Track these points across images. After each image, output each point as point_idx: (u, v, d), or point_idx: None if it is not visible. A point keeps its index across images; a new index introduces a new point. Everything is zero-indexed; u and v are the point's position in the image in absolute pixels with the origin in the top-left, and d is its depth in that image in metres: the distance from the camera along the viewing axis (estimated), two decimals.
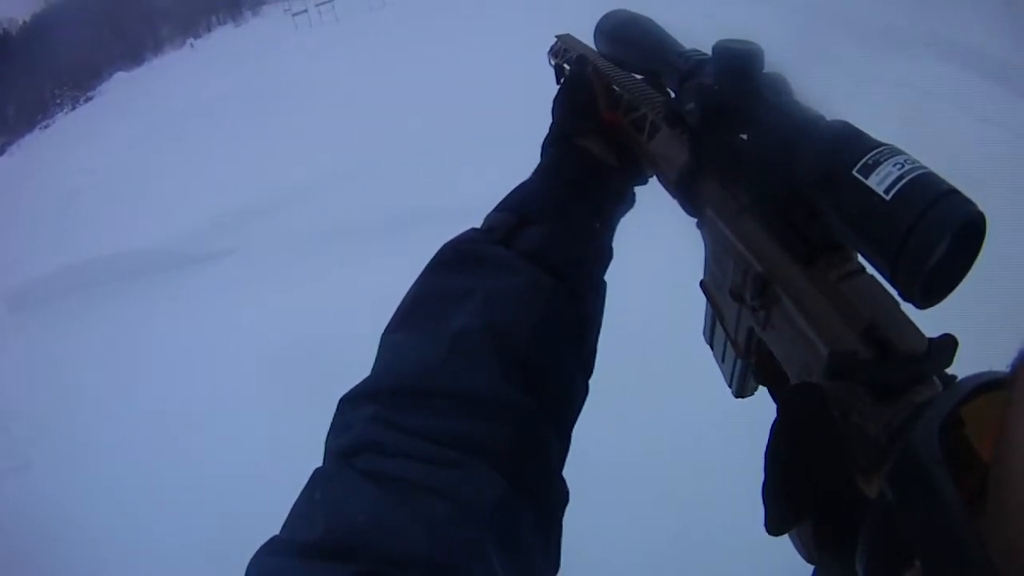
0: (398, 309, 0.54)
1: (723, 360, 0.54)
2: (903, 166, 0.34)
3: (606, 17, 0.67)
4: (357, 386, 0.49)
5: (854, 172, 0.35)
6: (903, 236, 0.33)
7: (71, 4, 27.35)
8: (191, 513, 2.90)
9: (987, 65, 5.27)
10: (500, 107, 5.90)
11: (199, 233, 5.20)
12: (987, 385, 0.32)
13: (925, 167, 0.34)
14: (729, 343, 0.50)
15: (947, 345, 0.37)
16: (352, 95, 7.12)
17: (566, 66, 0.73)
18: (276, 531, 0.41)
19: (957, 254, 0.34)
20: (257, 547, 0.40)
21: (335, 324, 3.71)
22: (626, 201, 0.64)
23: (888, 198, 0.33)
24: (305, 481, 0.43)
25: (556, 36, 0.77)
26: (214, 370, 3.70)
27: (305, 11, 13.75)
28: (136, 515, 3.00)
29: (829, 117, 0.42)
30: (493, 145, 5.33)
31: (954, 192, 0.33)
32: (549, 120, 0.68)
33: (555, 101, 0.67)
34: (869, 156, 0.35)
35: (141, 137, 7.83)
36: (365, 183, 5.24)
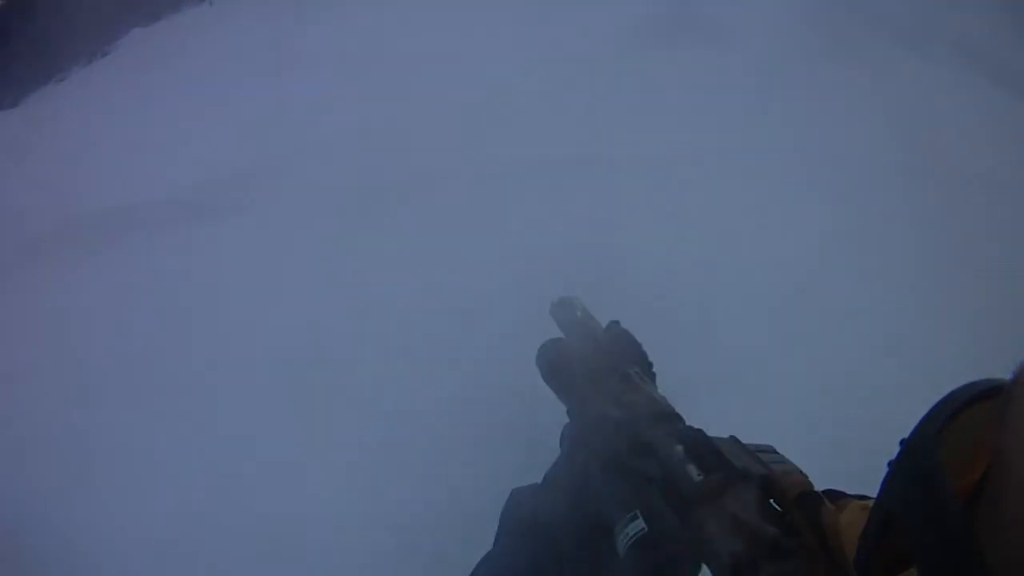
0: None
1: None
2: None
3: (541, 350, 0.89)
4: None
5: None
6: None
7: None
8: (189, 488, 2.93)
9: (1011, 78, 5.21)
10: (523, 71, 5.87)
11: (215, 186, 5.21)
12: (985, 392, 0.34)
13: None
14: None
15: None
16: (374, 53, 7.05)
17: None
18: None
19: None
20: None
21: (347, 285, 3.73)
22: None
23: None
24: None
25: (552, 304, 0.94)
26: (222, 329, 3.71)
27: None
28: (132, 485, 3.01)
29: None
30: (514, 108, 5.32)
31: None
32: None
33: None
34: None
35: (157, 92, 7.80)
36: (385, 141, 5.25)
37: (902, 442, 0.34)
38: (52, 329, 4.16)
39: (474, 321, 3.31)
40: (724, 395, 2.76)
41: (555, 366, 0.83)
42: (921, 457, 0.32)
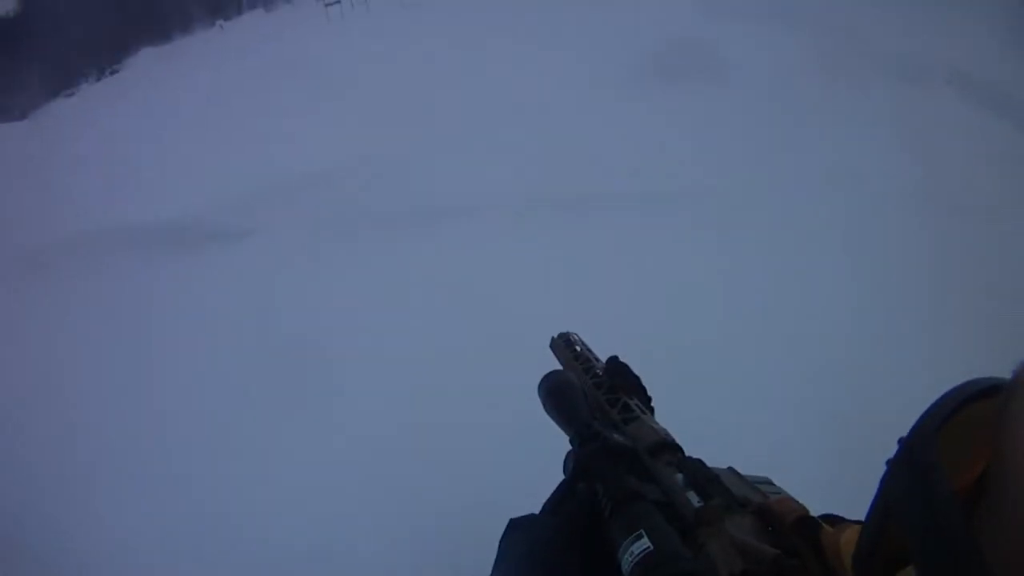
0: None
1: None
2: None
3: (543, 381, 0.86)
4: None
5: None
6: None
7: None
8: (175, 492, 2.91)
9: (1006, 105, 5.28)
10: (523, 110, 5.95)
11: (220, 210, 5.22)
12: (984, 391, 0.33)
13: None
14: None
15: None
16: (381, 88, 7.16)
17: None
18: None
19: None
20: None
21: (344, 312, 3.75)
22: None
23: None
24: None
25: (552, 339, 0.94)
26: (219, 352, 3.70)
27: (338, 2, 13.80)
28: (122, 498, 2.99)
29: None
30: (515, 145, 5.39)
31: None
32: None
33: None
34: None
35: (165, 112, 7.88)
36: (388, 175, 5.30)
37: (900, 440, 0.34)
38: (53, 338, 4.16)
39: (474, 349, 3.30)
40: (732, 399, 2.78)
41: (557, 397, 0.84)
42: (919, 456, 0.32)
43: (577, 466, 0.73)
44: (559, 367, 0.93)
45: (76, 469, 3.19)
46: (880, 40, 6.65)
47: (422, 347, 3.43)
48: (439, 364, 3.26)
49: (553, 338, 0.99)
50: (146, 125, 7.88)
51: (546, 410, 0.86)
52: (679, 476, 0.67)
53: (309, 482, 2.88)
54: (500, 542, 0.77)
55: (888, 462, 0.34)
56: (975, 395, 0.33)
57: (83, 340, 4.09)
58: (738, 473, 0.68)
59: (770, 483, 0.69)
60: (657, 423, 0.80)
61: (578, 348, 0.94)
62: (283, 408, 3.25)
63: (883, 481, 0.34)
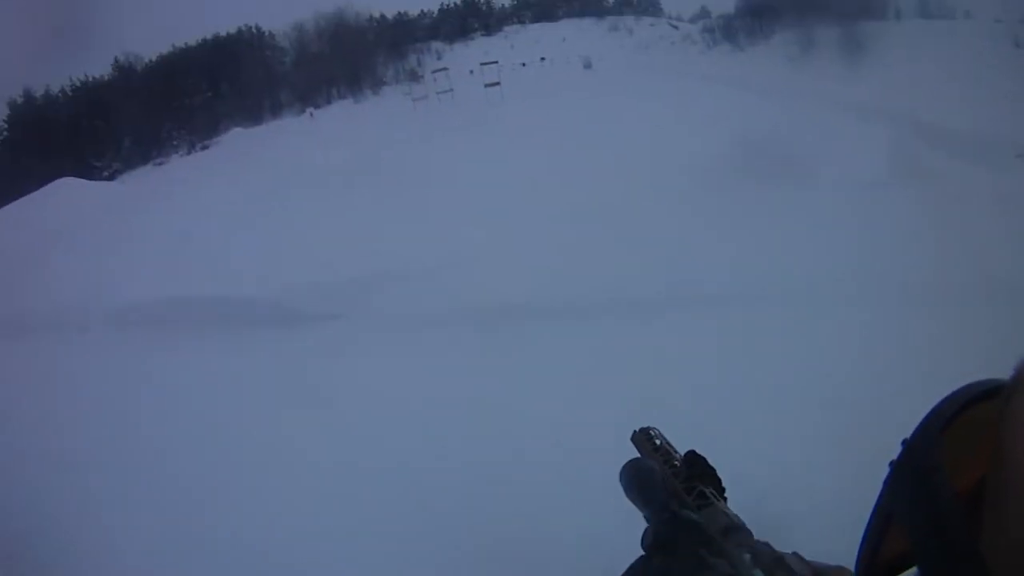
0: None
1: None
2: None
3: (625, 467, 0.95)
4: None
5: None
6: None
7: (196, 53, 29.13)
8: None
9: None
10: (612, 209, 5.96)
11: (304, 294, 5.35)
12: (986, 392, 0.33)
13: None
14: None
15: None
16: (465, 184, 7.32)
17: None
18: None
19: None
20: None
21: (418, 417, 3.66)
22: None
23: None
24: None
25: (634, 433, 1.09)
26: (286, 439, 3.70)
27: (425, 97, 14.43)
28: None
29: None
30: (595, 242, 5.41)
31: None
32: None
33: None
34: None
35: (253, 192, 8.14)
36: (470, 272, 5.34)
37: (903, 442, 0.34)
38: (136, 390, 4.29)
39: (548, 442, 3.26)
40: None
41: (638, 481, 0.95)
42: (922, 458, 0.32)
43: (655, 540, 0.85)
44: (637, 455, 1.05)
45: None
46: (947, 125, 6.70)
47: (491, 437, 3.45)
48: (507, 450, 3.28)
49: (635, 432, 1.10)
50: (231, 202, 8.12)
51: (627, 493, 0.96)
52: (747, 556, 0.79)
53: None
54: None
55: (891, 464, 0.34)
56: (978, 396, 0.34)
57: (159, 397, 4.22)
58: (802, 557, 0.80)
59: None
60: (729, 509, 0.92)
61: (658, 442, 1.06)
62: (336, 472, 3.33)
63: (886, 483, 0.35)
